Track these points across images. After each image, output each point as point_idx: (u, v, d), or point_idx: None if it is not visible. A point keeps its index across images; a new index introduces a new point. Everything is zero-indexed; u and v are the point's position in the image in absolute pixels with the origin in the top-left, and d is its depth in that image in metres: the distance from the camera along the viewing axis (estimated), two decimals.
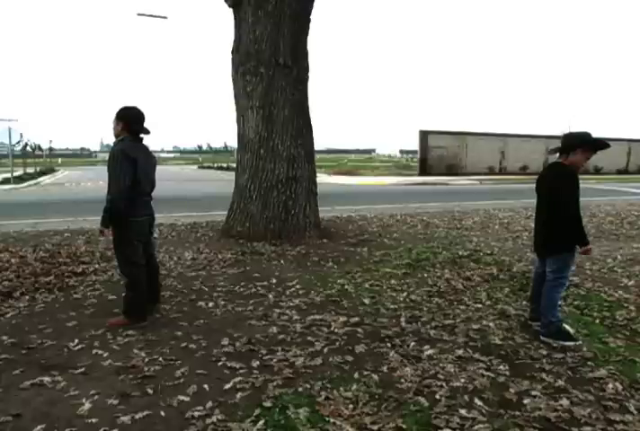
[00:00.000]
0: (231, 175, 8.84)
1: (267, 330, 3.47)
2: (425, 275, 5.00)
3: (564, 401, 2.53)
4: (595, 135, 3.34)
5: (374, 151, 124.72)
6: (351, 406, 2.46)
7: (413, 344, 3.25)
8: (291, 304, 4.05)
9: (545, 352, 3.14)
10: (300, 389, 2.64)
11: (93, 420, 2.34)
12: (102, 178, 26.45)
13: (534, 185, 3.52)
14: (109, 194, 3.42)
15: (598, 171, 31.32)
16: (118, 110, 3.58)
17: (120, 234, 3.53)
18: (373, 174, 29.34)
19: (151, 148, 3.78)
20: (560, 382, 2.74)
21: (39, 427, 2.28)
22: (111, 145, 3.72)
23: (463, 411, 2.42)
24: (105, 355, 3.06)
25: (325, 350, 3.15)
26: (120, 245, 3.57)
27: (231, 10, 6.73)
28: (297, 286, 4.55)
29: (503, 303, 4.15)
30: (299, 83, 6.70)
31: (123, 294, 3.68)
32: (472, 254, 5.90)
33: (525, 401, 2.54)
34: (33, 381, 2.70)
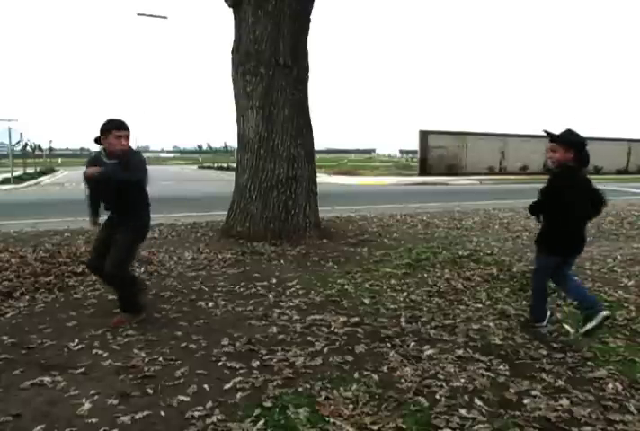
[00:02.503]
0: (231, 175, 8.85)
1: (267, 330, 3.47)
2: (425, 275, 5.00)
3: (564, 401, 2.53)
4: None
5: (374, 151, 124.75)
6: (351, 406, 2.46)
7: (413, 344, 3.25)
8: (291, 304, 4.05)
9: (545, 352, 3.14)
10: (300, 389, 2.64)
11: (93, 420, 2.34)
12: None
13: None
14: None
15: (598, 171, 31.31)
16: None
17: (137, 239, 3.68)
18: (373, 174, 29.34)
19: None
20: (560, 382, 2.73)
21: (39, 427, 2.28)
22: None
23: (463, 411, 2.42)
24: (105, 355, 3.06)
25: (325, 350, 3.15)
26: (134, 248, 3.70)
27: (231, 10, 6.73)
28: (297, 286, 4.55)
29: (503, 303, 4.15)
30: (299, 83, 6.70)
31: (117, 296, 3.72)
32: (472, 254, 5.90)
33: (525, 401, 2.54)
34: (33, 381, 2.70)
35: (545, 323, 3.43)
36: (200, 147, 56.93)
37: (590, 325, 3.20)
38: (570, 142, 3.25)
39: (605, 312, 3.21)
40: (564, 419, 2.38)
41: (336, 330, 3.48)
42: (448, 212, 10.11)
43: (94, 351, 3.11)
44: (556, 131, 3.35)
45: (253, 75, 6.47)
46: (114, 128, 3.42)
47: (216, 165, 39.76)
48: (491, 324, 3.62)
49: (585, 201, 3.22)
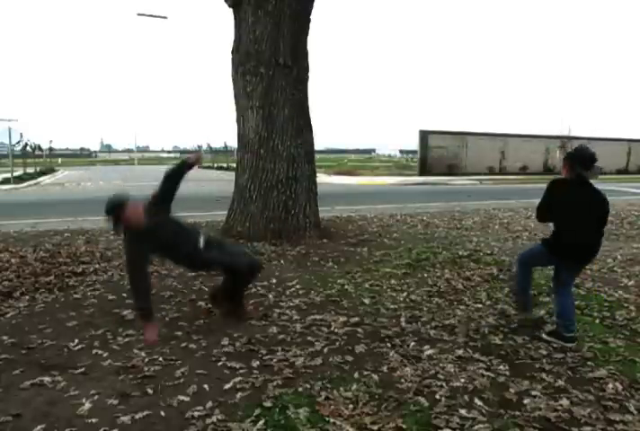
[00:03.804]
0: (231, 175, 8.85)
1: (267, 330, 3.47)
2: (425, 275, 5.00)
3: (564, 401, 2.53)
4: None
5: (374, 151, 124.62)
6: (351, 406, 2.46)
7: (413, 344, 3.25)
8: (291, 304, 4.05)
9: (545, 352, 3.14)
10: (300, 389, 2.64)
11: (93, 420, 2.34)
12: (101, 178, 26.52)
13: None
14: None
15: None
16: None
17: None
18: (373, 174, 29.30)
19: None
20: (560, 382, 2.74)
21: (39, 427, 2.28)
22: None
23: (463, 411, 2.42)
24: (105, 355, 3.06)
25: (325, 350, 3.15)
26: None
27: (231, 10, 6.73)
28: (297, 286, 4.55)
29: (503, 303, 4.15)
30: (299, 83, 6.70)
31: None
32: (472, 254, 5.90)
33: (525, 401, 2.54)
34: (33, 381, 2.70)
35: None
36: (199, 147, 56.79)
37: (551, 338, 3.33)
38: (565, 157, 3.40)
39: (570, 345, 3.26)
40: (564, 419, 2.38)
41: (336, 330, 3.48)
42: (449, 212, 10.11)
43: (94, 351, 3.11)
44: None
45: (253, 75, 6.46)
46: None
47: (216, 165, 39.76)
48: (491, 324, 3.63)
49: (576, 214, 3.25)
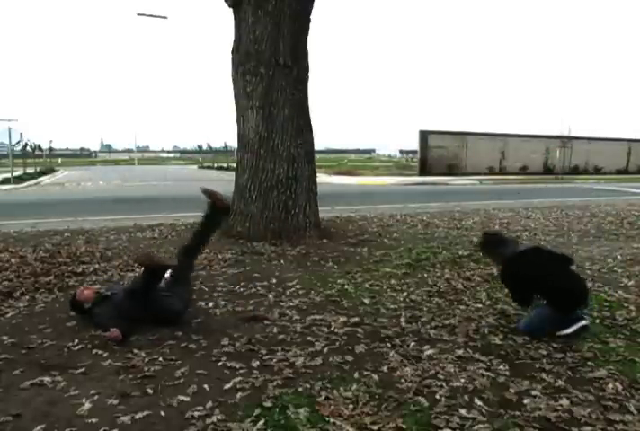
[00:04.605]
0: (231, 175, 8.84)
1: (267, 330, 3.47)
2: (425, 275, 5.00)
3: (564, 401, 2.53)
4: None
5: (374, 151, 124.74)
6: (351, 406, 2.46)
7: (413, 344, 3.25)
8: (291, 304, 4.05)
9: (545, 352, 3.14)
10: (300, 389, 2.64)
11: (93, 420, 2.34)
12: (101, 178, 26.53)
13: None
14: None
15: (598, 171, 31.31)
16: None
17: None
18: (373, 174, 29.34)
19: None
20: (560, 382, 2.74)
21: (39, 427, 2.28)
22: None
23: (463, 411, 2.42)
24: (105, 355, 3.05)
25: (325, 350, 3.15)
26: None
27: (231, 10, 6.73)
28: (297, 286, 4.55)
29: (503, 303, 4.14)
30: (299, 83, 6.70)
31: None
32: (472, 254, 5.89)
33: (525, 401, 2.54)
34: (33, 381, 2.70)
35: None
36: (200, 147, 56.78)
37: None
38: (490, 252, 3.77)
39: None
40: (564, 419, 2.38)
41: (336, 330, 3.48)
42: (449, 212, 10.10)
43: (94, 351, 3.11)
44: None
45: (253, 75, 6.46)
46: None
47: (216, 165, 39.77)
48: (491, 324, 3.63)
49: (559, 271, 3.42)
